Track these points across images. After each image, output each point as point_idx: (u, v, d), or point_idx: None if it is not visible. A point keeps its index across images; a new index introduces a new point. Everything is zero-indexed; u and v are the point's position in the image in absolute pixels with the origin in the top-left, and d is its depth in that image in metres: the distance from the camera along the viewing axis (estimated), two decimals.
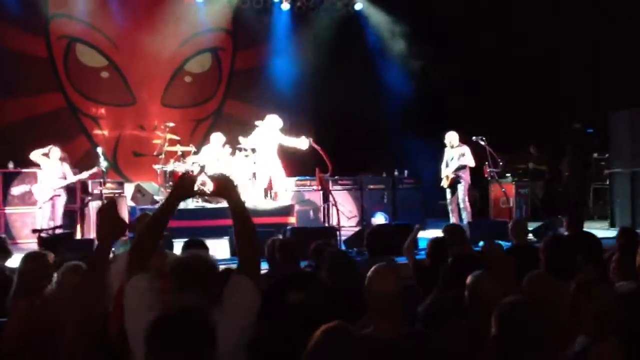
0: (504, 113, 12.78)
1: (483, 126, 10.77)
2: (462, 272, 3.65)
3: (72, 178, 9.98)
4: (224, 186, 3.03)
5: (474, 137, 10.24)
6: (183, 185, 3.08)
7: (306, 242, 5.68)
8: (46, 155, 9.83)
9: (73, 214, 10.44)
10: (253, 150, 11.28)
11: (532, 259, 4.66)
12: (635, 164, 11.28)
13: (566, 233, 6.69)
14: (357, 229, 9.93)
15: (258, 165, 11.10)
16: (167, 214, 3.03)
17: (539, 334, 2.55)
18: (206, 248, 5.14)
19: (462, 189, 10.51)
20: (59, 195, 9.88)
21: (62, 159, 9.87)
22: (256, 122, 10.95)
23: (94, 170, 9.92)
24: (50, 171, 9.85)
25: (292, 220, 10.88)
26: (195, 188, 3.10)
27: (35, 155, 9.79)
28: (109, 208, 3.07)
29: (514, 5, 12.70)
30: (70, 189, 10.24)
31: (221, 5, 13.58)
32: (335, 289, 4.11)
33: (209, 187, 3.16)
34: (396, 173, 12.48)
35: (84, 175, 10.03)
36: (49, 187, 9.78)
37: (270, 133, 10.98)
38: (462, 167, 10.61)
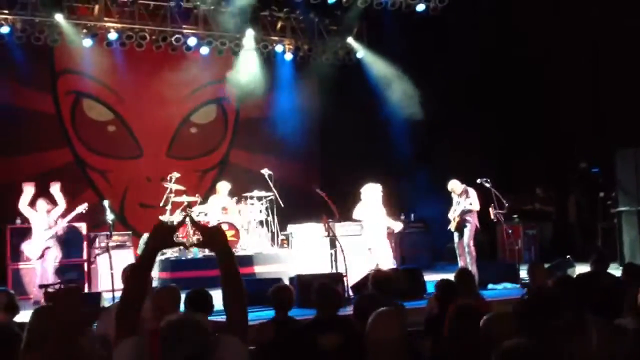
0: (509, 154, 12.82)
1: (488, 168, 10.79)
2: (465, 321, 3.61)
3: (60, 224, 9.60)
4: (212, 237, 2.96)
5: (478, 180, 10.24)
6: (159, 235, 2.96)
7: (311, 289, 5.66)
8: (34, 208, 9.53)
9: (80, 268, 10.43)
10: (259, 199, 11.32)
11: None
12: None
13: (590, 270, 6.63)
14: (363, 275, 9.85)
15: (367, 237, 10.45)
16: (146, 267, 2.94)
17: None
18: (210, 298, 5.12)
19: (467, 233, 10.47)
20: (49, 248, 9.52)
21: (49, 212, 9.55)
22: (362, 190, 10.39)
23: (80, 210, 9.57)
24: (38, 225, 9.55)
25: (299, 267, 10.80)
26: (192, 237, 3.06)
27: (23, 205, 9.50)
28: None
29: (514, 40, 12.86)
30: (62, 241, 9.86)
31: (225, 56, 13.81)
32: None
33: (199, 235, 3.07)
34: (403, 217, 12.45)
35: (69, 217, 9.65)
36: (39, 242, 9.48)
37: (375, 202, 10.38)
38: (468, 211, 10.59)
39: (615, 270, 9.56)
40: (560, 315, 4.18)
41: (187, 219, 3.42)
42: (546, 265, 9.18)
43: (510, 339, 2.84)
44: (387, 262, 10.24)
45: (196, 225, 3.22)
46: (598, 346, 3.03)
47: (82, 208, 9.59)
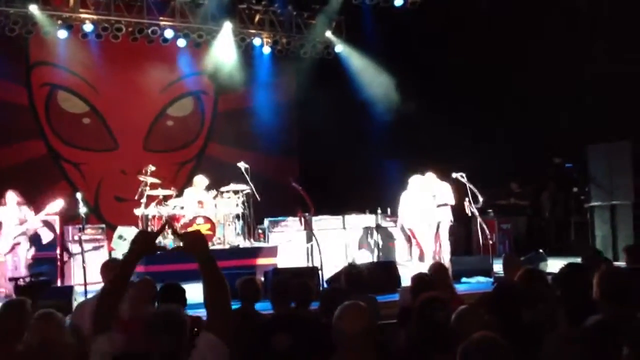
0: (485, 149, 12.90)
1: (463, 163, 10.85)
2: (431, 312, 3.64)
3: (32, 220, 9.33)
4: (193, 242, 3.02)
5: (453, 174, 10.31)
6: (143, 241, 3.05)
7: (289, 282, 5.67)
8: (3, 204, 9.20)
9: (53, 261, 10.31)
10: (235, 193, 11.29)
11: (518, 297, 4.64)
12: (614, 197, 11.41)
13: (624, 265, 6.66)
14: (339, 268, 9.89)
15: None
16: (128, 272, 3.04)
17: None
18: (183, 292, 5.11)
19: (443, 227, 10.60)
20: (19, 244, 9.21)
21: (19, 204, 9.27)
22: (409, 180, 10.72)
23: (54, 207, 9.33)
24: (7, 219, 9.22)
25: (275, 261, 10.84)
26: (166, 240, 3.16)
27: None
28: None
29: (489, 38, 12.92)
30: (32, 236, 9.65)
31: (203, 49, 13.74)
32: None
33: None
34: (379, 211, 12.49)
35: (41, 215, 9.43)
36: (8, 236, 9.15)
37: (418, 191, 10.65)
38: (443, 205, 10.70)
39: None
40: (530, 309, 4.23)
41: (167, 226, 3.48)
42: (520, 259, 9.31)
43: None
44: (426, 248, 10.52)
45: (175, 232, 3.34)
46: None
47: (56, 205, 9.38)
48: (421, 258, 10.53)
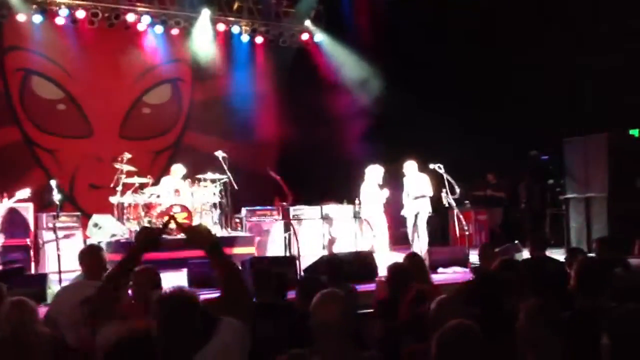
0: (461, 141, 12.96)
1: (440, 154, 10.90)
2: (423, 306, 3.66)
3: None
4: (195, 236, 3.09)
5: (431, 165, 10.35)
6: (146, 239, 3.16)
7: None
8: None
9: (26, 249, 10.16)
10: (212, 182, 11.22)
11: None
12: (589, 190, 11.54)
13: (529, 256, 6.78)
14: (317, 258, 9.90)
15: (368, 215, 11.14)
16: (130, 266, 3.19)
17: (473, 357, 2.56)
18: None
19: (421, 217, 10.67)
20: None
21: None
22: (365, 171, 11.09)
23: (22, 195, 9.26)
24: None
25: (253, 250, 10.82)
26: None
27: None
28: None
29: (469, 28, 12.97)
30: (4, 223, 9.56)
31: (180, 36, 13.60)
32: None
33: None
34: (357, 201, 12.50)
35: (10, 202, 9.32)
36: None
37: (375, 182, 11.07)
38: (421, 196, 10.77)
39: (562, 256, 9.83)
40: (505, 298, 4.27)
41: (172, 222, 3.52)
42: (495, 250, 9.38)
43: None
44: (384, 238, 10.92)
45: (180, 226, 3.47)
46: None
47: (23, 194, 9.27)
48: (379, 248, 10.67)
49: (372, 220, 11.02)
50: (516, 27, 12.48)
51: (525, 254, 8.68)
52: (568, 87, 12.59)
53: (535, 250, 6.67)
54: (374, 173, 11.04)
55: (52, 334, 4.02)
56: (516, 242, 9.66)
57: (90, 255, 4.92)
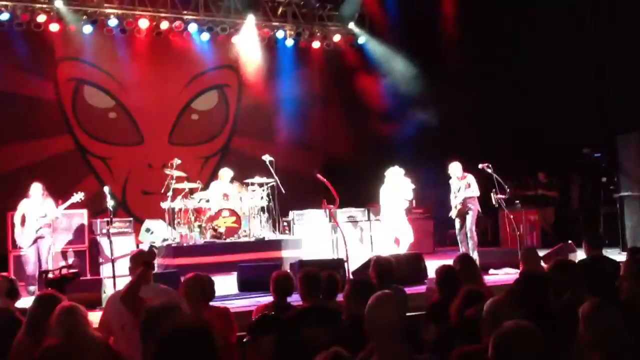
0: (512, 140, 12.77)
1: (490, 153, 10.74)
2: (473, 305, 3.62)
3: (54, 212, 9.36)
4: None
5: (480, 165, 10.20)
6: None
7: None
8: (28, 196, 9.20)
9: (81, 254, 10.44)
10: (260, 185, 11.31)
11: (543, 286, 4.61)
12: None
13: (585, 257, 6.63)
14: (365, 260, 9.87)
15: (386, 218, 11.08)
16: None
17: (532, 358, 2.52)
18: (212, 284, 5.11)
19: (470, 219, 10.50)
20: (43, 237, 9.21)
21: (44, 196, 9.29)
22: (385, 174, 11.02)
23: (76, 198, 9.45)
24: (32, 212, 9.20)
25: (301, 253, 10.85)
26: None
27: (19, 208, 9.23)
28: None
29: (517, 23, 12.76)
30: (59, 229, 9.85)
31: (226, 42, 13.76)
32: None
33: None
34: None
35: (64, 205, 9.49)
36: (31, 229, 9.15)
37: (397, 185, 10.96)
38: (469, 197, 10.61)
39: (617, 256, 9.58)
40: (557, 297, 4.19)
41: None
42: (548, 251, 9.20)
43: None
44: (407, 241, 10.79)
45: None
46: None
47: (77, 197, 9.48)
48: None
49: (391, 223, 10.88)
50: (570, 20, 12.19)
51: (580, 254, 8.48)
52: (621, 82, 12.25)
53: (591, 250, 6.51)
54: (394, 175, 10.90)
55: (103, 338, 4.11)
56: (569, 242, 9.44)
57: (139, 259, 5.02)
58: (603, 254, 6.77)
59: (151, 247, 6.30)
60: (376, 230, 12.00)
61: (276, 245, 10.88)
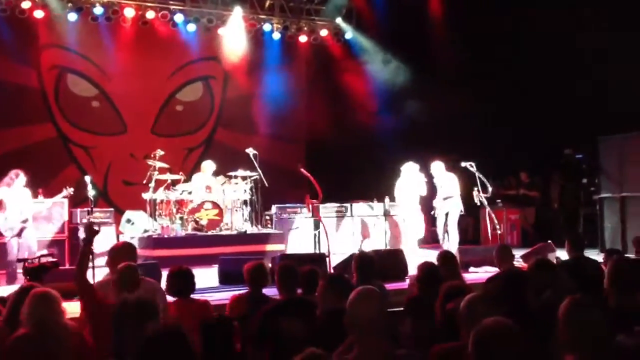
0: (495, 140, 12.82)
1: (473, 152, 10.79)
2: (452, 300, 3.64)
3: (41, 205, 9.41)
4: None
5: (462, 163, 10.26)
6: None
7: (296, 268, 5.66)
8: (8, 184, 8.92)
9: (61, 244, 10.34)
10: (243, 179, 11.28)
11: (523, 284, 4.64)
12: (624, 189, 11.33)
13: (567, 257, 6.68)
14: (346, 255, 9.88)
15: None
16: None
17: (512, 355, 2.54)
18: (192, 277, 5.10)
19: (451, 217, 10.60)
20: (26, 228, 9.04)
21: (26, 185, 9.10)
22: (401, 168, 11.35)
23: (65, 194, 9.49)
24: (15, 201, 8.95)
25: (283, 247, 10.85)
26: None
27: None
28: None
29: (505, 25, 12.79)
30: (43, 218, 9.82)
31: (212, 34, 13.68)
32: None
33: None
34: (387, 200, 12.46)
35: (54, 200, 9.53)
36: (15, 219, 8.94)
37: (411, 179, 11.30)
38: (450, 196, 10.70)
39: (596, 256, 9.67)
40: (537, 296, 4.23)
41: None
42: (527, 250, 9.27)
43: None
44: (419, 234, 11.31)
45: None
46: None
47: (67, 192, 9.52)
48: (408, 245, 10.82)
49: (406, 218, 11.27)
50: (553, 20, 12.25)
51: (559, 254, 8.56)
52: (603, 84, 12.33)
53: (573, 251, 6.56)
54: (410, 170, 11.16)
55: (76, 327, 4.05)
56: (549, 242, 9.52)
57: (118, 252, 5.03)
58: (584, 254, 6.83)
59: (90, 222, 6.23)
60: (357, 225, 12.03)
61: (259, 238, 10.87)
